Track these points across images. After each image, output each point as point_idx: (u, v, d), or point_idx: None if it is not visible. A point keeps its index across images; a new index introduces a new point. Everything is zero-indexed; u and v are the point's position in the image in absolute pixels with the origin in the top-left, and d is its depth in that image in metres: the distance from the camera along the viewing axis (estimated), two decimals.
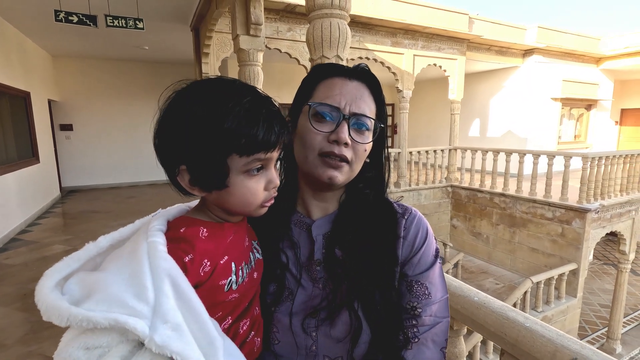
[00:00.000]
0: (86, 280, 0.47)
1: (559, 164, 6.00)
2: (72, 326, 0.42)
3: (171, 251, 0.49)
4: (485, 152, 7.03)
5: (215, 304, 0.55)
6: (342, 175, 0.64)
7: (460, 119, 7.93)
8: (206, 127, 0.51)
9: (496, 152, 6.84)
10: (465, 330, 1.09)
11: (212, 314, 0.50)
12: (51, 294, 0.44)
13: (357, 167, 0.66)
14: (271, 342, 0.66)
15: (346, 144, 0.62)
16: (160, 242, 0.50)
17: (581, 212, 5.40)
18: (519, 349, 0.82)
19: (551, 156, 5.89)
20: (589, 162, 5.45)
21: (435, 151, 7.43)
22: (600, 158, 5.68)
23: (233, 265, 0.58)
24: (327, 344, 0.65)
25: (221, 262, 0.56)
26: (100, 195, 8.11)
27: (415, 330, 0.65)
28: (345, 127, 0.62)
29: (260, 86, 3.61)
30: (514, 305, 4.67)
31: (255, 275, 0.64)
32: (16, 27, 5.71)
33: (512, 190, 6.45)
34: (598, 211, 5.47)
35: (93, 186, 8.84)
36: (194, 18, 5.42)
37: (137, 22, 4.44)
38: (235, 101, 0.52)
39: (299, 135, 0.66)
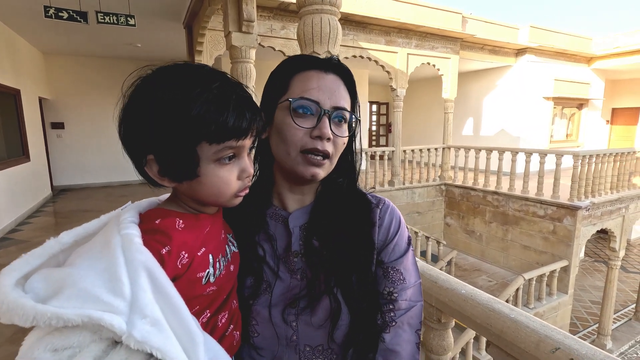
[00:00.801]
0: (53, 277, 0.43)
1: (550, 162, 6.07)
2: (38, 326, 0.39)
3: (147, 243, 0.47)
4: (478, 150, 7.08)
5: (193, 297, 0.53)
6: (324, 172, 0.65)
7: (453, 117, 7.99)
8: (173, 114, 0.49)
9: (489, 150, 6.89)
10: (454, 323, 1.09)
11: (190, 307, 0.48)
12: (12, 292, 0.40)
13: (336, 160, 0.67)
14: (250, 335, 0.66)
15: (328, 139, 0.62)
16: (135, 234, 0.48)
17: (572, 210, 5.46)
18: (504, 339, 0.83)
19: (543, 154, 5.96)
20: (580, 161, 5.51)
21: (429, 150, 7.47)
22: (591, 156, 5.75)
23: (210, 257, 0.56)
24: (307, 333, 0.65)
25: (199, 253, 0.54)
26: (92, 194, 8.01)
27: (392, 314, 0.67)
28: (327, 122, 0.62)
29: (252, 84, 3.60)
30: (507, 301, 4.70)
31: (232, 268, 0.63)
32: (5, 24, 5.63)
33: (504, 188, 6.51)
34: (589, 209, 5.54)
35: (85, 185, 8.73)
36: (187, 15, 5.38)
37: (128, 18, 4.39)
38: (203, 86, 0.50)
39: (277, 131, 0.65)
